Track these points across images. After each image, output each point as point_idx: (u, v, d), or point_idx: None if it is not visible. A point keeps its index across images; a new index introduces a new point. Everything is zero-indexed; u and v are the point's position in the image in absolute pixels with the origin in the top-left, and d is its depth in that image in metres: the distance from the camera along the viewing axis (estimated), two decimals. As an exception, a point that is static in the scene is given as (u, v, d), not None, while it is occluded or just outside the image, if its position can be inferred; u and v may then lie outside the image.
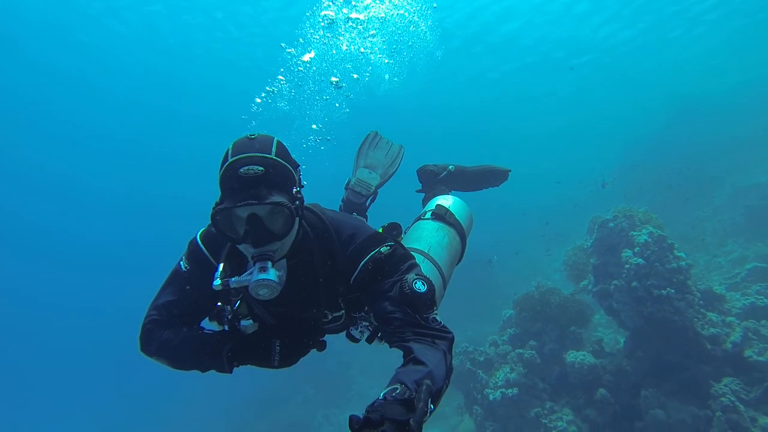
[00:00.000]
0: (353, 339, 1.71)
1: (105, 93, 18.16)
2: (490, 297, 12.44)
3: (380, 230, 1.83)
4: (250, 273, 1.26)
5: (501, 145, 29.81)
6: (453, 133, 25.89)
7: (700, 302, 6.27)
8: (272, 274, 1.24)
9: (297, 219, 1.30)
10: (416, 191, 2.72)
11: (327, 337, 1.73)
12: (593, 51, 18.18)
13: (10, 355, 21.01)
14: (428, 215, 2.16)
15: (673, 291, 5.99)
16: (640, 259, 6.14)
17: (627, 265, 6.17)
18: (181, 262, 1.53)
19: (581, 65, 18.86)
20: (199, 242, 1.50)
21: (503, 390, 6.68)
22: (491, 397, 6.71)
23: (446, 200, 2.26)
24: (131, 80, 17.50)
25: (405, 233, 2.08)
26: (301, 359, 1.60)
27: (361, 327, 1.67)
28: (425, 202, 2.54)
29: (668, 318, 6.05)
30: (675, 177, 13.85)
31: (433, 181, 2.69)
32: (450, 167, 2.72)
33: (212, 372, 1.50)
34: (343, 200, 2.52)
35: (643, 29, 16.77)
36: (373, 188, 2.50)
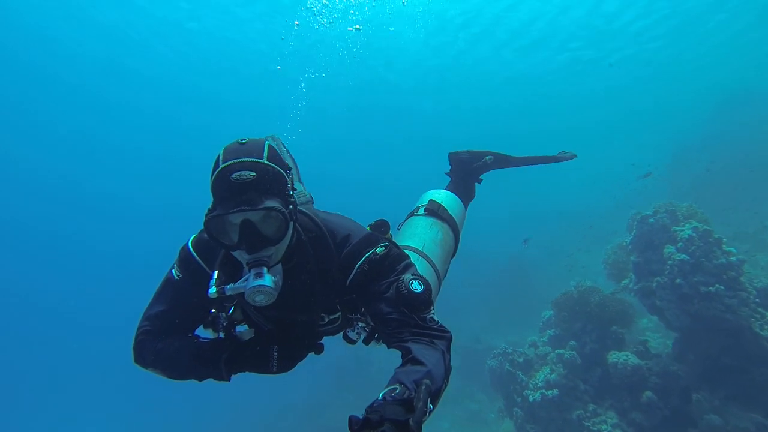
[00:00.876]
0: (350, 341, 1.67)
1: (110, 100, 18.41)
2: (532, 303, 12.04)
3: (368, 229, 1.85)
4: (246, 279, 1.23)
5: (536, 145, 28.84)
6: (488, 134, 25.14)
7: (757, 300, 5.79)
8: (268, 279, 1.21)
9: (291, 223, 1.28)
10: (445, 173, 2.66)
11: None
12: (627, 44, 17.16)
13: (58, 365, 21.16)
14: (421, 211, 2.11)
15: (722, 288, 5.61)
16: (684, 255, 5.82)
17: (670, 262, 5.87)
18: (173, 270, 1.48)
19: (619, 59, 17.85)
20: (191, 250, 1.45)
21: (543, 391, 6.50)
22: (531, 399, 6.54)
23: (438, 194, 2.22)
24: (135, 87, 17.77)
25: (398, 229, 2.04)
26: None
27: (357, 328, 1.63)
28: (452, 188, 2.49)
29: (719, 316, 5.65)
30: (728, 171, 12.77)
31: (464, 170, 2.61)
32: (488, 158, 2.61)
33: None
34: None
35: (669, 14, 15.47)
36: (306, 191, 2.27)
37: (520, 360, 7.34)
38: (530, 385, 6.77)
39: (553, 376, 6.52)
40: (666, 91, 22.74)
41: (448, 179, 2.64)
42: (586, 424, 6.18)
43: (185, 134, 22.19)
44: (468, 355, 11.99)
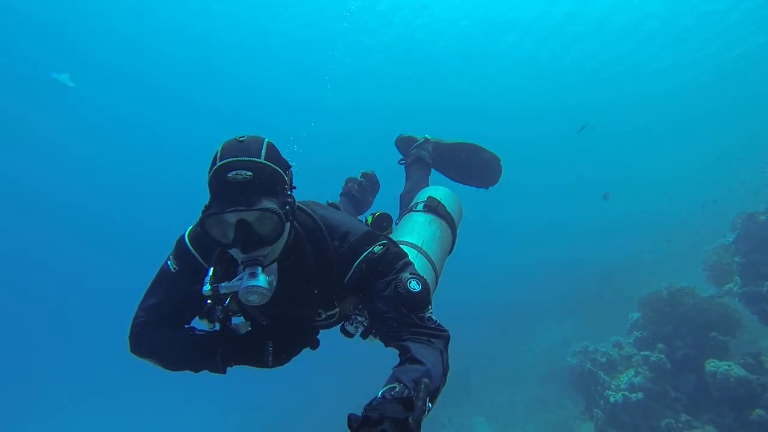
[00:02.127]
0: (348, 334, 1.63)
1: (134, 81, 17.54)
2: (624, 310, 10.90)
3: (370, 219, 1.84)
4: (240, 279, 1.19)
5: (621, 150, 25.50)
6: (560, 137, 22.38)
7: None
8: (262, 280, 1.17)
9: (287, 223, 1.23)
10: (398, 162, 2.72)
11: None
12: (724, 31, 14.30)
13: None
14: (420, 207, 2.05)
15: None
16: (805, 257, 4.90)
17: (786, 264, 4.99)
18: (169, 262, 1.43)
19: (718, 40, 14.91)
20: (188, 243, 1.40)
21: (626, 393, 5.99)
22: (612, 399, 6.09)
23: (437, 192, 2.16)
24: (154, 69, 17.19)
25: (396, 224, 2.01)
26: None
27: (356, 322, 1.59)
28: (407, 173, 2.60)
29: None
30: None
31: (406, 147, 2.70)
32: (427, 136, 2.71)
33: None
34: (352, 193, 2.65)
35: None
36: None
37: (603, 360, 6.83)
38: (612, 386, 6.28)
39: (638, 378, 5.97)
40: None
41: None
42: (678, 435, 5.53)
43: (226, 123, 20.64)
44: (555, 361, 11.26)
